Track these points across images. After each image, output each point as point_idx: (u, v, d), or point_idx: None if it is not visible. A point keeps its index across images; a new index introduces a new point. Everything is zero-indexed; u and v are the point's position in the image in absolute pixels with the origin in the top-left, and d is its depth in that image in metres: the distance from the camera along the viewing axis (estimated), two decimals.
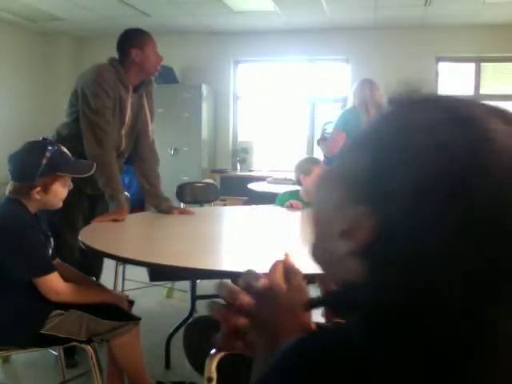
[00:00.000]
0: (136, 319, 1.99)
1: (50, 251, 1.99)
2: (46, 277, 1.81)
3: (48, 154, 1.87)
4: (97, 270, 2.84)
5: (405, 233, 0.45)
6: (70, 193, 2.02)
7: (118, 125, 2.62)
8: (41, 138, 1.96)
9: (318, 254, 0.59)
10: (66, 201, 2.02)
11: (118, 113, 2.60)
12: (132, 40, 2.61)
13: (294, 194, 3.08)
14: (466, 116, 0.45)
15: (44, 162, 1.86)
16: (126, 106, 2.62)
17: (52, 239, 2.03)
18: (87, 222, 2.65)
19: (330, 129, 3.95)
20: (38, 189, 1.86)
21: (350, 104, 3.73)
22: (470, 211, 0.42)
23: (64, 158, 1.96)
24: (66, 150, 2.00)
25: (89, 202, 2.80)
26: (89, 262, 2.64)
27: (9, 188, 1.90)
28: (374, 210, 0.47)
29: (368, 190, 0.48)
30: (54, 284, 1.83)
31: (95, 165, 2.13)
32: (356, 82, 3.80)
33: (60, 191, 1.94)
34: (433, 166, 0.43)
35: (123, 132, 2.67)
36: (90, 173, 2.10)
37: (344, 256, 0.51)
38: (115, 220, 2.45)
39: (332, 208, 0.54)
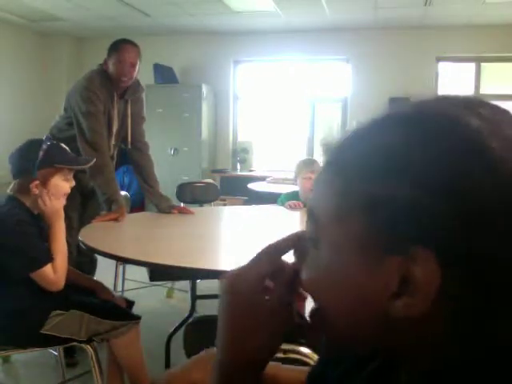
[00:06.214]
0: (136, 319, 1.98)
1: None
2: (41, 270, 1.77)
3: (44, 147, 1.86)
4: (90, 269, 2.84)
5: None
6: None
7: (106, 132, 2.65)
8: (44, 137, 1.96)
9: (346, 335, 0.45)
10: None
11: (107, 120, 2.63)
12: (108, 48, 2.68)
13: (294, 195, 3.11)
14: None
15: (41, 154, 1.85)
16: (113, 114, 2.65)
17: None
18: (80, 219, 2.65)
19: None
20: (37, 182, 1.83)
21: None
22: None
23: (61, 151, 1.94)
24: (65, 146, 1.99)
25: (81, 200, 2.80)
26: (82, 261, 2.64)
27: (10, 187, 1.91)
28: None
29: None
30: (51, 276, 1.79)
31: (90, 168, 2.14)
32: None
33: (61, 184, 1.90)
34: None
35: (112, 139, 2.70)
36: (90, 164, 2.08)
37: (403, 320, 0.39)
38: (115, 220, 2.45)
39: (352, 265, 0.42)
